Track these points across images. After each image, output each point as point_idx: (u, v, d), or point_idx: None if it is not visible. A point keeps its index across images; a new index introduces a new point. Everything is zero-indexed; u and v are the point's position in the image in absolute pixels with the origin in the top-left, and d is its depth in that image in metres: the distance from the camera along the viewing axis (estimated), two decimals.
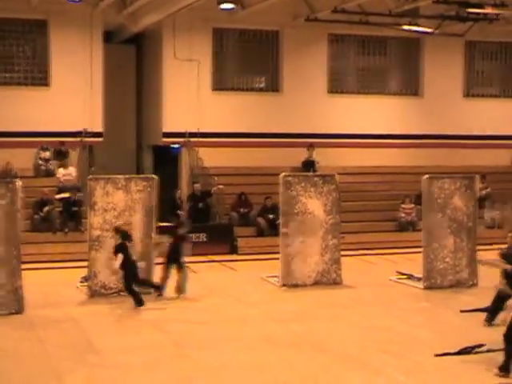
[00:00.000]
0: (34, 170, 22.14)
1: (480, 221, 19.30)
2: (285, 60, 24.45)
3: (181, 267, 14.95)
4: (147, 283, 14.84)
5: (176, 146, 23.83)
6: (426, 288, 15.92)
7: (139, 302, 13.92)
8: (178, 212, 20.92)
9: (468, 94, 26.64)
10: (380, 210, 23.25)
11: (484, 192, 23.59)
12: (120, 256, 13.85)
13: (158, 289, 14.80)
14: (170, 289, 14.96)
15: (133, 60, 25.48)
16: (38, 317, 13.18)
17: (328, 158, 23.51)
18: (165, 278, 14.97)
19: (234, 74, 24.61)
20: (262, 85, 25.29)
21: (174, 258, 14.99)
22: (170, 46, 23.11)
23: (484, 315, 12.65)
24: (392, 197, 23.56)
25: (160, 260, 15.25)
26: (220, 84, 24.16)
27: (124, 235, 14.15)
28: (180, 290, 14.90)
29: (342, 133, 24.72)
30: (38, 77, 22.61)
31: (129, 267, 14.01)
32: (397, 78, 26.35)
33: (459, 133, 25.81)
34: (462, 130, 25.86)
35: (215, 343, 11.59)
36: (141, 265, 14.49)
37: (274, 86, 24.75)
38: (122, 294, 14.66)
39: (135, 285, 14.15)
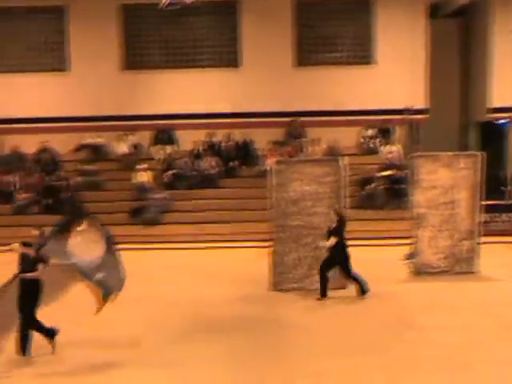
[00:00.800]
0: (358, 148, 22.56)
1: None
2: None
3: None
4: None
5: (504, 121, 23.04)
6: None
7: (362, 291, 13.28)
8: (502, 188, 20.35)
9: None
10: None
11: None
12: (332, 239, 13.16)
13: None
14: None
15: (458, 34, 24.96)
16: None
17: None
18: None
19: None
20: None
21: None
22: (501, 18, 22.33)
23: None
24: None
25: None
26: None
27: (342, 219, 13.36)
28: None
29: None
30: (362, 55, 22.94)
31: (341, 252, 13.33)
32: None
33: None
34: None
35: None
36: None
37: None
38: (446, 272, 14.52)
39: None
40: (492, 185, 19.64)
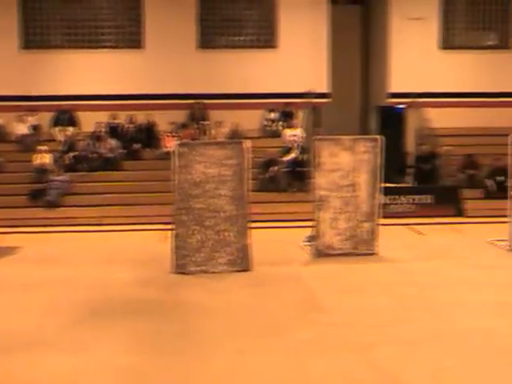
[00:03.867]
0: (260, 131, 22.69)
1: None
2: None
3: None
4: None
5: (401, 106, 23.54)
6: None
7: None
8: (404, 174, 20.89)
9: None
10: None
11: None
12: None
13: None
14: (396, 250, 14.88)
15: (359, 20, 25.34)
16: (265, 274, 13.53)
17: None
18: None
19: (463, 31, 23.85)
20: (493, 42, 24.33)
21: None
22: (398, 5, 22.79)
23: None
24: None
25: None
26: (448, 42, 23.51)
27: None
28: None
29: None
30: (265, 39, 23.04)
31: None
32: None
33: None
34: None
35: (442, 307, 11.40)
36: None
37: (504, 43, 23.78)
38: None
39: None
40: (392, 168, 20.10)
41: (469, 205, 20.76)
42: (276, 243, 16.24)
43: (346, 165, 15.25)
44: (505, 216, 15.96)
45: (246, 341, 9.81)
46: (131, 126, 22.33)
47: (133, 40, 22.89)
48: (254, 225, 14.32)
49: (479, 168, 21.61)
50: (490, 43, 24.28)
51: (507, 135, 16.12)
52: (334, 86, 22.91)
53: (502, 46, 23.76)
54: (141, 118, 22.34)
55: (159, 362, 8.99)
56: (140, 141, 21.94)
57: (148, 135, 22.16)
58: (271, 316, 11.03)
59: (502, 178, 20.02)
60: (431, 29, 23.02)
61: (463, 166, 21.77)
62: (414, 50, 22.84)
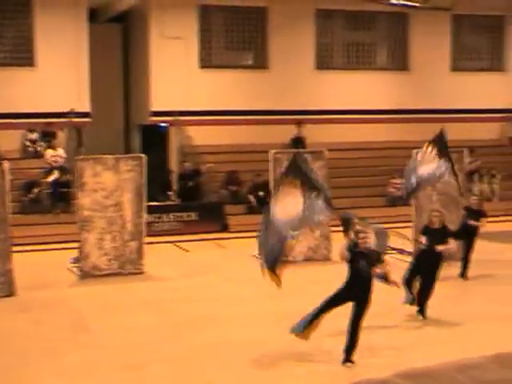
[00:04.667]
0: (21, 152, 22.04)
1: (469, 194, 19.37)
2: (273, 36, 24.36)
3: None
4: None
5: (164, 124, 23.76)
6: None
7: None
8: (167, 191, 21.06)
9: (455, 68, 26.61)
10: (370, 186, 23.26)
11: (473, 165, 23.65)
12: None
13: None
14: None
15: (119, 39, 25.31)
16: (30, 299, 13.19)
17: (317, 135, 23.46)
18: None
19: (222, 51, 24.49)
20: (250, 62, 25.18)
21: None
22: (157, 24, 22.98)
23: None
24: (382, 172, 23.55)
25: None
26: (207, 61, 24.05)
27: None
28: None
29: (331, 109, 24.66)
30: (24, 57, 22.44)
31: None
32: (384, 53, 26.29)
33: (447, 107, 25.78)
34: (450, 104, 25.83)
35: (208, 322, 11.61)
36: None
37: (262, 63, 24.66)
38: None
39: None
40: (156, 186, 20.25)
41: (232, 220, 21.28)
42: (41, 266, 15.84)
43: (110, 184, 15.19)
44: None
45: (19, 366, 9.55)
46: None
47: None
48: (17, 248, 13.90)
49: (241, 184, 22.21)
50: (247, 63, 25.08)
51: (267, 152, 16.72)
52: (95, 105, 22.67)
53: (260, 65, 24.60)
54: None
55: None
56: None
57: None
58: (41, 340, 10.78)
59: (263, 194, 20.73)
60: (191, 48, 23.40)
61: (226, 183, 22.30)
62: (175, 68, 23.10)
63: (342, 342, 10.11)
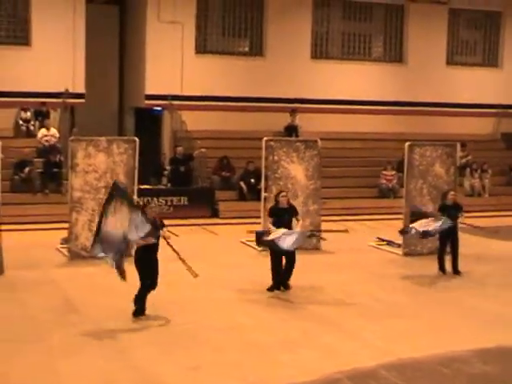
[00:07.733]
0: (14, 131, 22.01)
1: (460, 189, 19.47)
2: (269, 24, 24.35)
3: None
4: None
5: (158, 108, 23.75)
6: (406, 254, 16.05)
7: None
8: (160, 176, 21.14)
9: (451, 61, 26.66)
10: (361, 177, 23.30)
11: (464, 160, 23.72)
12: None
13: None
14: None
15: (116, 21, 25.25)
16: (18, 278, 13.18)
17: (311, 124, 23.48)
18: None
19: (218, 37, 24.47)
20: (246, 48, 25.17)
21: None
22: (154, 8, 22.94)
23: None
24: (373, 163, 23.61)
25: None
26: (203, 47, 24.04)
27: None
28: None
29: (325, 98, 24.70)
30: (19, 36, 22.36)
31: None
32: (380, 44, 26.31)
33: (441, 100, 25.86)
34: (444, 97, 25.89)
35: (195, 306, 11.67)
36: None
37: (257, 50, 24.66)
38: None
39: None
40: (148, 170, 20.23)
41: (223, 206, 21.31)
42: (30, 246, 15.83)
43: (102, 166, 15.18)
44: (257, 217, 16.53)
45: (8, 345, 9.58)
46: None
47: None
48: (6, 227, 13.90)
49: (233, 170, 22.23)
50: (243, 49, 25.07)
51: (260, 139, 16.74)
52: (90, 87, 22.63)
53: (255, 52, 24.60)
54: None
55: None
56: None
57: None
58: (27, 321, 10.80)
59: (255, 181, 20.78)
60: (187, 33, 23.37)
61: (218, 169, 22.31)
62: (171, 52, 23.07)
63: (327, 330, 10.21)
